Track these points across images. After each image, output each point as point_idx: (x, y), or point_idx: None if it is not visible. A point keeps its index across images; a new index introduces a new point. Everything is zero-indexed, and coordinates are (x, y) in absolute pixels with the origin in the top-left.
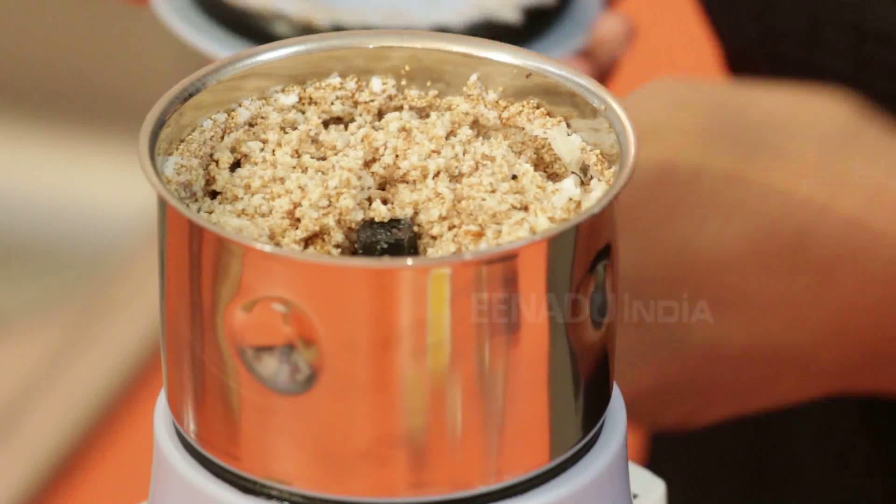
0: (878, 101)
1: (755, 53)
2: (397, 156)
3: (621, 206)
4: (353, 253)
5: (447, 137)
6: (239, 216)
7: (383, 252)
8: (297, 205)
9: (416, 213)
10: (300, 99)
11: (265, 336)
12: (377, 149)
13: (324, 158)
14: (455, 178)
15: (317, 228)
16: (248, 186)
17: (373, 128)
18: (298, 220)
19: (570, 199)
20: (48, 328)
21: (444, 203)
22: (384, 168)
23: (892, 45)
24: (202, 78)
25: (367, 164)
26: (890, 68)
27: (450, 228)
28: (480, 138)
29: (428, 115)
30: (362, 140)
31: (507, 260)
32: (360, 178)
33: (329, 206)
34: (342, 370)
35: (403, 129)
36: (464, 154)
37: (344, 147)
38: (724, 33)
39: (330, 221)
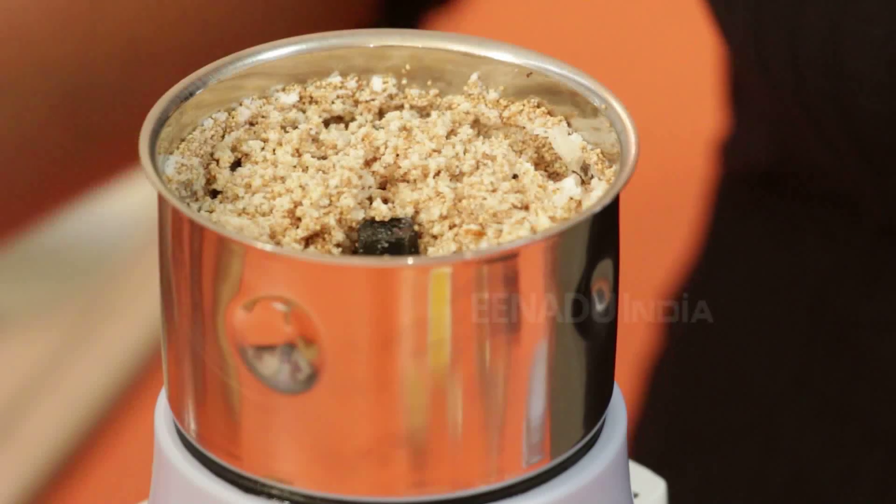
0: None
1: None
2: (398, 155)
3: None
4: (354, 252)
5: (448, 136)
6: (239, 215)
7: (384, 251)
8: (297, 204)
9: (416, 213)
10: (301, 98)
11: (266, 335)
12: (378, 148)
13: (324, 157)
14: (456, 177)
15: (318, 228)
16: (248, 185)
17: (373, 127)
18: (299, 219)
19: (571, 199)
20: (48, 328)
21: (444, 202)
22: (385, 167)
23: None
24: (203, 77)
25: (368, 163)
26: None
27: (450, 228)
28: (481, 137)
29: (429, 115)
30: (363, 139)
31: (508, 259)
32: (360, 177)
33: (330, 205)
34: (343, 369)
35: (404, 128)
36: (464, 153)
37: (344, 146)
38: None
39: (331, 221)
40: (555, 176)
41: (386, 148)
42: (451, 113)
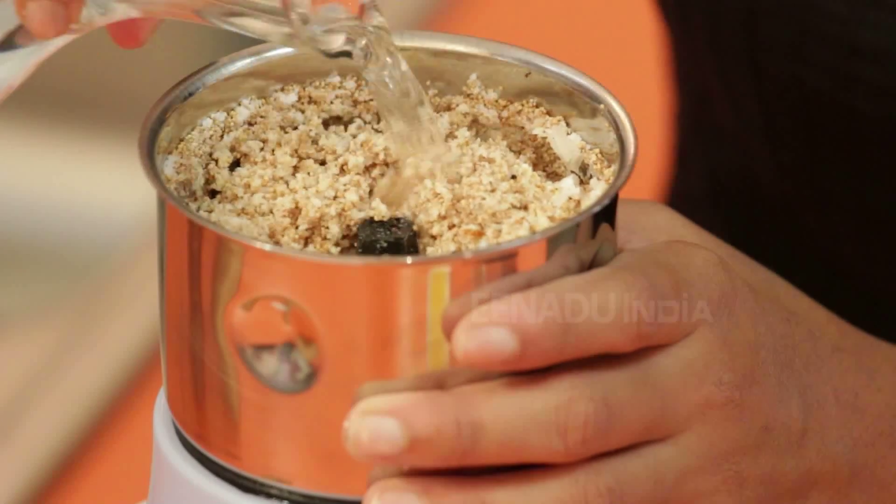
0: (864, 120)
1: (738, 68)
2: (397, 162)
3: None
4: (353, 252)
5: (446, 139)
6: (238, 215)
7: (383, 251)
8: (298, 204)
9: (414, 215)
10: (299, 98)
11: (265, 335)
12: (377, 153)
13: (323, 162)
14: (454, 180)
15: (317, 216)
16: (247, 185)
17: (372, 129)
18: (299, 217)
19: (570, 199)
20: (48, 328)
21: (442, 202)
22: (383, 174)
23: (882, 62)
24: (202, 77)
25: (367, 168)
26: (878, 87)
27: (449, 228)
28: (478, 140)
29: None
30: (362, 145)
31: (507, 259)
32: (360, 182)
33: (335, 198)
34: (342, 369)
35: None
36: (462, 156)
37: (344, 152)
38: (709, 46)
39: (331, 211)
40: (553, 176)
41: (386, 153)
42: (449, 115)
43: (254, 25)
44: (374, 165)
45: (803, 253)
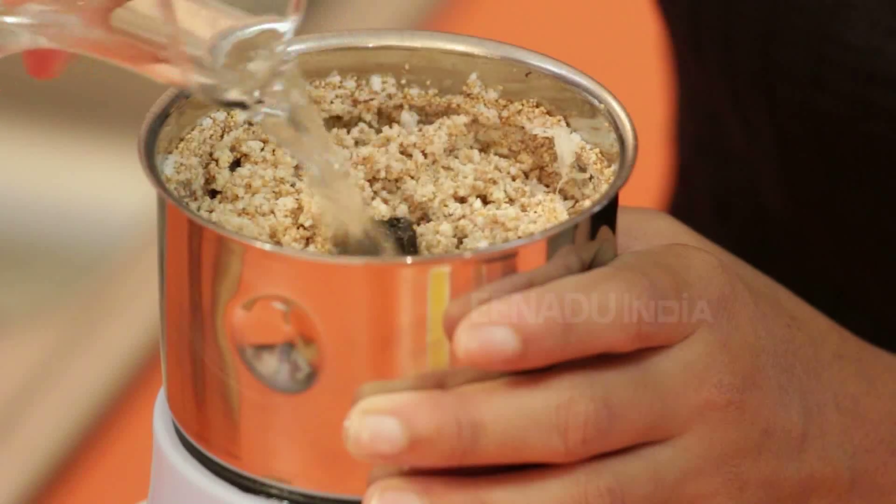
0: (881, 147)
1: (752, 93)
2: (398, 179)
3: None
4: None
5: (448, 153)
6: (239, 215)
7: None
8: (301, 202)
9: (413, 209)
10: None
11: (265, 334)
12: (378, 170)
13: None
14: (459, 199)
15: (320, 212)
16: (248, 186)
17: (375, 132)
18: (300, 216)
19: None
20: (48, 328)
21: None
22: (385, 188)
23: None
24: None
25: (368, 182)
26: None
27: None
28: (478, 154)
29: (427, 115)
30: (363, 161)
31: (507, 258)
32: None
33: None
34: (342, 369)
35: (401, 145)
36: (464, 178)
37: (345, 162)
38: (722, 70)
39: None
40: (553, 176)
41: (387, 171)
42: (447, 126)
43: (160, 70)
44: (375, 180)
45: (810, 277)
